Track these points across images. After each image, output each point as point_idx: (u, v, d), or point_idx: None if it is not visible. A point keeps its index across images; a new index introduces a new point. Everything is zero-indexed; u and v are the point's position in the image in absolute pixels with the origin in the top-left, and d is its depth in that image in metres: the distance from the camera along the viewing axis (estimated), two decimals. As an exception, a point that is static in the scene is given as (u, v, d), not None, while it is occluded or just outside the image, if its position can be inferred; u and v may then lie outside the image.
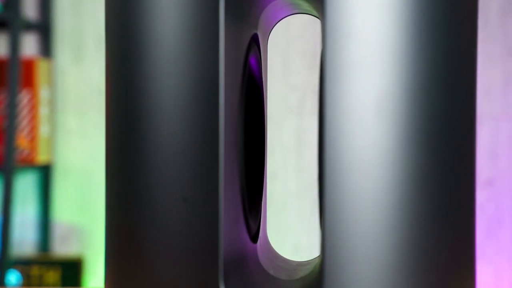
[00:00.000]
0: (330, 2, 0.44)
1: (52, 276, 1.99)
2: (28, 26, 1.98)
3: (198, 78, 0.44)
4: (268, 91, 0.58)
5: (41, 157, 2.00)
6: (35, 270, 2.00)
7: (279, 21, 0.60)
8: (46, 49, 2.03)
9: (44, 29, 2.03)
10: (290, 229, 1.97)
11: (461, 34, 0.46)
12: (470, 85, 0.48)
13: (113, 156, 0.48)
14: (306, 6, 0.55)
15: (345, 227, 0.43)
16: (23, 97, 1.96)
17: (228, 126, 0.45)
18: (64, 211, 2.05)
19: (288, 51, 1.97)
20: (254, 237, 0.54)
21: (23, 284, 1.97)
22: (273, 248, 0.59)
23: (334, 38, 0.43)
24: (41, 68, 1.99)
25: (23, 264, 1.98)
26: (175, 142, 0.45)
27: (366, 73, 0.43)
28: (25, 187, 2.04)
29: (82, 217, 2.04)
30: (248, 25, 0.51)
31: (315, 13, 0.55)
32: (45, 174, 2.04)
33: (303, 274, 0.52)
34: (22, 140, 1.96)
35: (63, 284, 1.99)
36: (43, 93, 2.00)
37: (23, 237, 2.06)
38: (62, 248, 2.06)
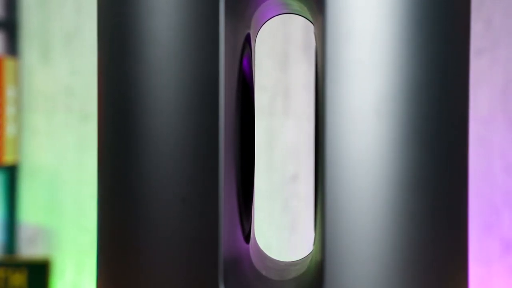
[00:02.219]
0: (331, 5, 0.44)
1: (18, 279, 1.96)
2: (-6, 24, 1.95)
3: (197, 77, 0.44)
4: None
5: (7, 157, 1.97)
6: (0, 273, 1.97)
7: (267, 20, 0.60)
8: (12, 47, 2.00)
9: (10, 27, 2.00)
10: (260, 230, 1.97)
11: (456, 36, 0.47)
12: (464, 87, 0.48)
13: (107, 155, 0.47)
14: (297, 6, 0.55)
15: (346, 227, 0.43)
16: (-11, 96, 1.93)
17: (227, 126, 0.45)
18: (30, 212, 2.01)
19: (258, 51, 1.97)
20: (247, 237, 0.54)
21: (-12, 287, 1.93)
22: (261, 249, 0.59)
23: (335, 40, 0.43)
24: (7, 67, 1.96)
25: (-12, 267, 1.94)
26: (174, 141, 0.44)
27: (366, 74, 0.43)
28: (-9, 188, 2.00)
29: (49, 219, 2.01)
30: (243, 25, 0.51)
31: (305, 13, 0.55)
32: (11, 174, 2.01)
33: (295, 274, 0.52)
34: (-13, 140, 1.92)
35: (30, 287, 1.96)
36: (9, 92, 1.97)
37: (-12, 239, 2.02)
38: (28, 250, 2.02)
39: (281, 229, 1.97)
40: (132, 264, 0.45)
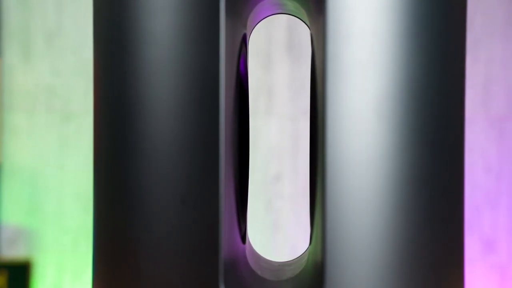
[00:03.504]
0: (331, 5, 0.44)
1: (-1, 280, 1.94)
2: (-26, 23, 1.93)
3: (198, 77, 0.44)
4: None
5: (-13, 158, 1.95)
6: (-20, 274, 1.95)
7: (261, 20, 0.60)
8: (-7, 46, 1.98)
9: (-10, 25, 1.98)
10: (243, 229, 1.97)
11: (455, 36, 0.47)
12: (461, 86, 0.49)
13: (104, 156, 0.47)
14: (292, 7, 0.55)
15: (346, 227, 0.44)
16: (-31, 96, 1.91)
17: (227, 127, 0.45)
18: (11, 212, 2.00)
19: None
20: (243, 237, 0.54)
21: (-32, 289, 1.91)
22: (254, 249, 0.59)
23: (335, 41, 0.44)
24: (-12, 65, 1.94)
25: (-32, 268, 1.92)
26: (174, 141, 0.44)
27: (366, 74, 0.44)
28: (-29, 188, 1.98)
29: (30, 219, 1.99)
30: (241, 25, 0.51)
31: (300, 14, 0.55)
32: (-8, 175, 1.99)
33: (290, 274, 0.52)
34: (-32, 140, 1.90)
35: (10, 288, 1.94)
36: (-11, 91, 1.95)
37: (-32, 240, 2.00)
38: (9, 251, 2.00)
39: (264, 229, 1.97)
40: (132, 264, 0.45)
